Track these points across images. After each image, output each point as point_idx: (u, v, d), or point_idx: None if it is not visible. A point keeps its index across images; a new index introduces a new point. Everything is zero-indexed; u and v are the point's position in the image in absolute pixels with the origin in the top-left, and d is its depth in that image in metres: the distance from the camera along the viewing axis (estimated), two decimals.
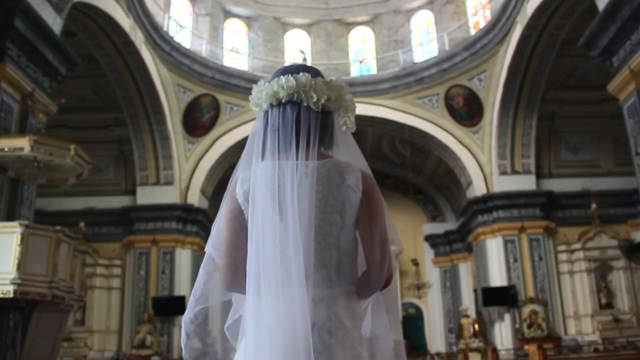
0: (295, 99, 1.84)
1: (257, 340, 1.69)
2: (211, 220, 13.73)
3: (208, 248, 1.91)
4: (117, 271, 16.50)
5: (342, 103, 1.91)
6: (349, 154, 1.89)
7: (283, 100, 1.85)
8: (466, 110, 16.70)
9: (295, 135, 1.80)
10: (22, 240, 6.91)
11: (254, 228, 1.74)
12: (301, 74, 1.87)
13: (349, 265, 1.77)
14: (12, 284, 6.82)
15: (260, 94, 1.89)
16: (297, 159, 1.77)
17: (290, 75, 1.87)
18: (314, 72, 1.93)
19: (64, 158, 7.35)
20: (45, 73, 9.20)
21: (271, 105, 1.87)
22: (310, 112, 1.83)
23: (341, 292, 1.73)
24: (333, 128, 1.89)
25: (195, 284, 1.95)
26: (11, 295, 6.82)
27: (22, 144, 7.20)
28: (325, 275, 1.72)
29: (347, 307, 1.73)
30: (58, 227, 7.24)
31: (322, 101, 1.84)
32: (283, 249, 1.68)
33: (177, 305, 15.81)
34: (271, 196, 1.74)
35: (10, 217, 7.97)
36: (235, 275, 1.81)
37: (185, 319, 1.98)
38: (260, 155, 1.85)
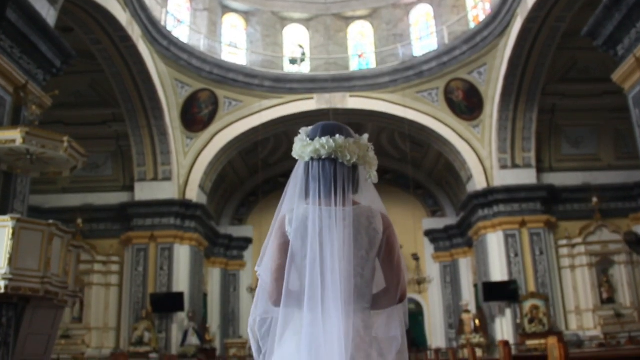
0: (332, 156, 2.31)
1: (297, 342, 2.18)
2: (210, 216, 13.64)
3: (259, 270, 2.38)
4: (115, 268, 16.39)
5: (367, 160, 2.40)
6: (370, 198, 2.38)
7: (323, 156, 2.33)
8: (466, 104, 16.57)
9: (334, 185, 2.28)
10: (13, 234, 6.76)
11: (303, 260, 2.24)
12: (337, 135, 2.34)
13: (367, 288, 2.27)
14: (3, 279, 6.68)
15: (304, 149, 2.36)
16: (336, 205, 2.25)
17: (330, 137, 2.33)
18: (346, 131, 2.39)
19: (57, 150, 7.21)
20: (39, 65, 9.06)
21: (312, 159, 2.34)
22: (344, 168, 2.31)
23: (359, 309, 2.23)
24: (359, 178, 2.38)
25: (255, 299, 2.39)
26: (2, 290, 6.68)
27: (14, 136, 7.06)
28: (350, 296, 2.19)
29: (363, 319, 2.23)
30: (51, 221, 7.10)
31: (354, 160, 2.34)
32: (325, 276, 2.17)
33: (175, 302, 15.72)
34: (314, 234, 2.22)
35: (3, 211, 7.83)
36: (280, 294, 2.25)
37: (251, 324, 2.39)
38: (304, 198, 2.34)
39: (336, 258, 2.18)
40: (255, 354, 2.37)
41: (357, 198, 2.34)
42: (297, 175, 2.39)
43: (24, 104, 8.29)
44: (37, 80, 8.98)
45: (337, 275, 2.16)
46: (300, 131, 2.44)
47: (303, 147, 2.37)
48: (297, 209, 2.31)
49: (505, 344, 4.22)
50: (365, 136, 2.44)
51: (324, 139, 2.33)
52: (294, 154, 2.41)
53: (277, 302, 2.25)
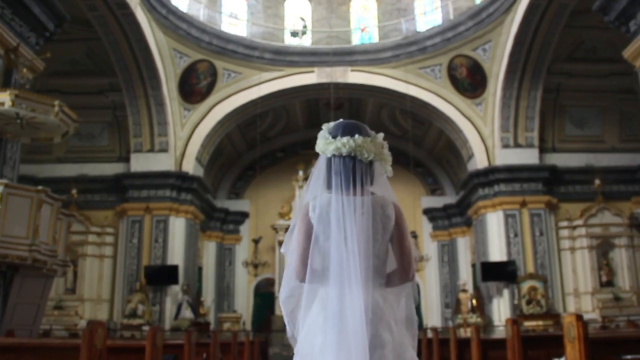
0: (352, 154, 2.62)
1: (325, 316, 2.51)
2: (206, 189, 13.43)
3: (284, 251, 2.74)
4: (109, 239, 16.22)
5: (382, 156, 2.71)
6: (383, 189, 2.71)
7: (344, 154, 2.64)
8: (469, 81, 16.28)
9: (353, 178, 2.60)
10: (1, 200, 6.53)
11: (325, 241, 2.57)
12: (356, 135, 2.65)
13: (382, 267, 2.61)
14: None
15: (327, 147, 2.66)
16: (355, 194, 2.58)
17: (350, 136, 2.64)
18: (364, 131, 2.70)
19: (47, 115, 6.94)
20: (32, 28, 8.76)
21: (334, 155, 2.65)
22: (362, 164, 2.63)
23: (377, 285, 2.56)
24: (374, 172, 2.69)
25: (285, 273, 2.72)
26: None
27: (3, 98, 6.78)
28: (370, 273, 2.53)
29: (381, 294, 2.56)
30: (40, 187, 6.86)
31: (371, 157, 2.65)
32: (347, 256, 2.49)
33: (169, 275, 15.58)
34: (337, 220, 2.54)
35: None
36: (305, 272, 2.59)
37: (281, 299, 2.72)
38: (326, 189, 2.66)
39: (356, 240, 2.50)
40: (287, 325, 2.72)
41: (373, 189, 2.66)
42: (319, 168, 2.71)
43: (15, 67, 7.99)
44: (29, 43, 8.69)
45: (358, 255, 2.49)
46: (323, 127, 2.75)
47: (326, 144, 2.68)
48: (320, 197, 2.63)
49: (514, 322, 4.00)
50: (381, 135, 2.72)
51: (344, 139, 2.64)
52: (317, 149, 2.71)
53: (303, 279, 2.60)
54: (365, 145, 2.63)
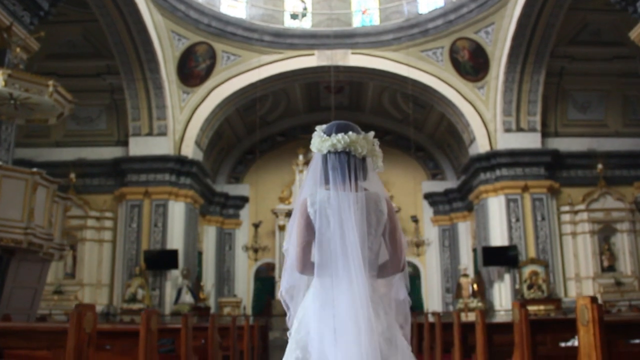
0: (346, 150, 2.76)
1: (322, 304, 2.64)
2: (206, 173, 13.32)
3: (286, 246, 2.85)
4: (108, 224, 16.11)
5: (374, 152, 2.85)
6: (374, 184, 2.84)
7: (339, 150, 2.77)
8: (471, 64, 16.09)
9: (348, 173, 2.74)
10: None
11: (324, 235, 2.70)
12: (350, 132, 2.79)
13: (374, 260, 2.75)
14: None
15: (323, 144, 2.79)
16: (350, 190, 2.71)
17: (344, 133, 2.78)
18: (356, 129, 2.84)
19: (41, 95, 6.79)
20: (25, 7, 8.57)
21: (329, 152, 2.78)
22: (356, 159, 2.77)
23: (369, 276, 2.67)
24: (367, 167, 2.82)
25: (285, 267, 2.85)
26: None
27: None
28: (365, 264, 2.65)
29: (371, 284, 2.68)
30: (35, 169, 6.72)
31: (364, 153, 2.79)
32: (344, 249, 2.63)
33: (169, 259, 15.50)
34: (335, 215, 2.68)
35: None
36: (306, 264, 2.75)
37: (282, 291, 2.86)
38: (323, 184, 2.78)
39: (352, 233, 2.63)
40: (288, 316, 2.83)
41: (366, 185, 2.81)
42: (316, 165, 2.84)
43: (8, 47, 7.83)
44: (22, 22, 8.51)
45: (355, 247, 2.62)
46: (317, 128, 2.88)
47: (321, 142, 2.81)
48: (318, 193, 2.75)
49: (521, 305, 3.91)
50: (371, 133, 2.86)
51: (339, 135, 2.78)
52: (313, 148, 2.85)
53: (302, 271, 2.75)
54: (359, 141, 2.77)
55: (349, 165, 2.75)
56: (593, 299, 2.73)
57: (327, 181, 2.77)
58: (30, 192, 6.59)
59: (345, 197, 2.69)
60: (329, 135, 2.80)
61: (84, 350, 2.71)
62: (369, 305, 2.56)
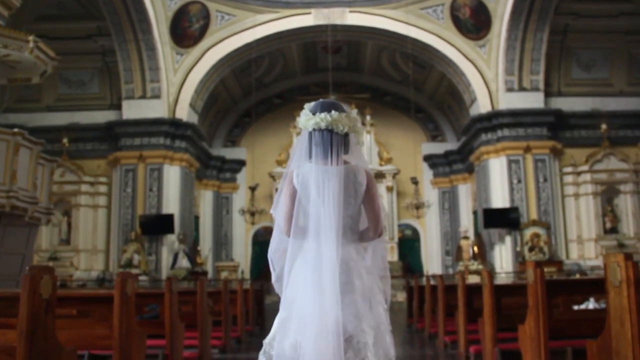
0: (329, 127, 3.01)
1: (304, 264, 2.94)
2: (201, 136, 13.00)
3: (273, 212, 3.14)
4: (102, 189, 15.86)
5: (355, 129, 3.09)
6: (356, 157, 3.09)
7: (322, 128, 3.01)
8: (473, 22, 15.63)
9: (330, 150, 3.00)
10: None
11: (306, 203, 2.97)
12: (333, 111, 3.03)
13: (355, 226, 3.04)
14: None
15: (308, 122, 3.04)
16: (331, 164, 2.97)
17: (327, 112, 3.03)
18: (340, 108, 3.09)
19: (22, 51, 6.44)
20: None
21: (314, 129, 3.03)
22: (338, 136, 3.02)
23: (351, 241, 2.99)
24: (349, 143, 3.08)
25: (274, 233, 3.15)
26: None
27: None
28: (344, 232, 2.94)
29: (354, 248, 3.01)
30: (16, 130, 6.41)
31: (346, 130, 3.03)
32: (323, 216, 2.90)
33: (165, 224, 15.29)
34: (317, 186, 2.95)
35: None
36: (290, 229, 3.01)
37: (270, 253, 3.12)
38: (308, 158, 3.04)
39: (331, 203, 2.90)
40: (272, 274, 3.07)
41: (348, 158, 3.05)
42: (302, 141, 3.11)
43: None
44: None
45: (332, 216, 2.88)
46: (305, 107, 3.13)
47: (307, 120, 3.05)
48: (302, 166, 3.02)
49: (537, 264, 3.65)
50: (354, 110, 3.24)
51: (322, 114, 3.02)
52: (300, 125, 3.12)
53: (289, 234, 3.01)
54: (341, 120, 3.01)
55: (331, 141, 3.00)
56: (627, 256, 2.44)
57: (311, 156, 3.03)
58: (12, 154, 6.29)
59: (325, 171, 2.95)
60: (314, 113, 3.05)
61: (40, 318, 2.44)
62: (335, 266, 2.79)
